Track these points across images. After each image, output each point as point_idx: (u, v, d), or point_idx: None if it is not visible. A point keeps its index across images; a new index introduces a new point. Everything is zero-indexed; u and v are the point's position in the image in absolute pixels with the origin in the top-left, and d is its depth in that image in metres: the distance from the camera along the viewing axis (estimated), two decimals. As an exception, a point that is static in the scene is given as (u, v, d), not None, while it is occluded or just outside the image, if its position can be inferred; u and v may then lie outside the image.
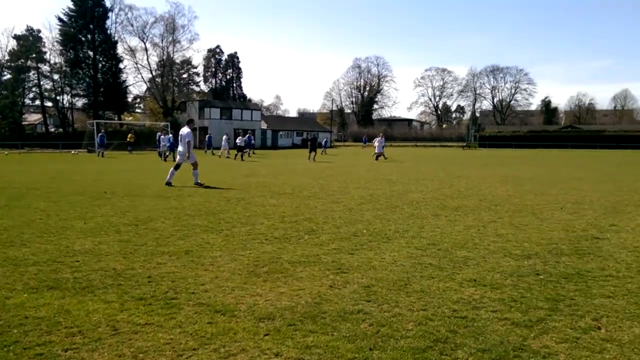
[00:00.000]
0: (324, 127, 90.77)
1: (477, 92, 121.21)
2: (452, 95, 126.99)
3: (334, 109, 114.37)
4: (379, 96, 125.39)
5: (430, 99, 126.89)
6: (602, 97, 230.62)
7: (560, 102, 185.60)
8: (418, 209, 10.24)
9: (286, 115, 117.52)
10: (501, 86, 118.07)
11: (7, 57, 61.23)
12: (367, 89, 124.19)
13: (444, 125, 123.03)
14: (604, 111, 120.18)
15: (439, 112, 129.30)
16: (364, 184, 15.57)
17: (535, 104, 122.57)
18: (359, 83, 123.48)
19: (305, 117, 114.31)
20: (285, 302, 4.48)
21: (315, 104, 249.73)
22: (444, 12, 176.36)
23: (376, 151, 32.23)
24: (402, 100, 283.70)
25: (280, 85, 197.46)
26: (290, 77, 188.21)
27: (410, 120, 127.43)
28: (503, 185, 15.46)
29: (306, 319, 4.08)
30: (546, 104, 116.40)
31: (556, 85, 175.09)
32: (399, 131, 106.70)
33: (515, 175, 19.45)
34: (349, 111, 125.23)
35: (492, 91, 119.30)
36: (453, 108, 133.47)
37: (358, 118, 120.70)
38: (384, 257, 6.18)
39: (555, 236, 7.51)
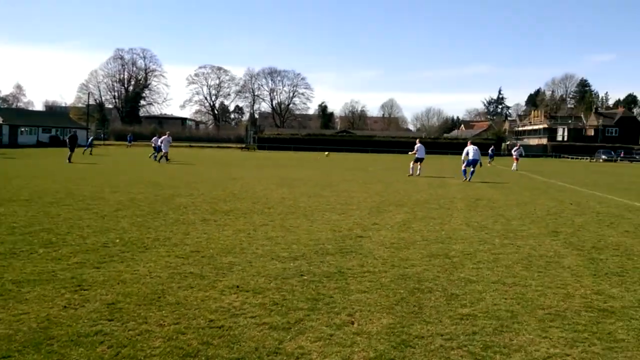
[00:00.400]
0: (78, 123, 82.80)
1: (256, 93, 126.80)
2: (229, 95, 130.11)
3: (91, 103, 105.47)
4: (146, 91, 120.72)
5: (206, 98, 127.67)
6: (373, 105, 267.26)
7: (336, 107, 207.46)
8: (185, 214, 10.06)
9: (30, 109, 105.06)
10: (279, 89, 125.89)
11: None
12: (133, 83, 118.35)
13: (222, 126, 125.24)
14: (374, 118, 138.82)
15: (216, 112, 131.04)
16: (124, 188, 14.65)
17: (313, 108, 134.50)
18: (122, 76, 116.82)
19: (54, 112, 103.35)
20: (1, 331, 3.84)
21: (68, 97, 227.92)
22: (220, 12, 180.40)
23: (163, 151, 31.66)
24: (175, 98, 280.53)
25: (23, 74, 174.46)
26: (35, 64, 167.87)
27: (184, 119, 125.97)
28: (279, 187, 16.36)
29: (27, 347, 3.57)
30: (323, 108, 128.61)
31: (332, 91, 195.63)
32: (172, 130, 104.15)
33: (292, 178, 20.84)
34: (110, 106, 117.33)
35: (270, 93, 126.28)
36: (231, 108, 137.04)
37: (122, 114, 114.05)
38: (138, 268, 5.84)
39: (323, 237, 8.20)
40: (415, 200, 13.92)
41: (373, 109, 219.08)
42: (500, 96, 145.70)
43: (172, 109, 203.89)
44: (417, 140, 26.14)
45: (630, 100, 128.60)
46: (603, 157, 74.58)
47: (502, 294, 5.34)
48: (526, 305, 4.95)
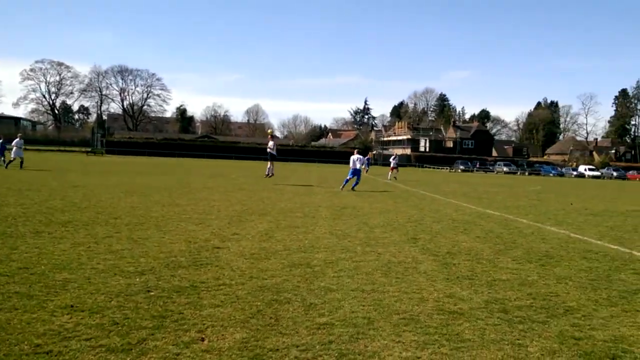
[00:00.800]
0: None
1: (104, 92, 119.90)
2: (72, 93, 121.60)
3: None
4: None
5: (44, 96, 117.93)
6: (237, 110, 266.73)
7: (197, 111, 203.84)
8: (13, 226, 9.14)
9: None
10: (131, 89, 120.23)
11: None
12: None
13: (64, 127, 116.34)
14: (238, 123, 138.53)
15: (57, 112, 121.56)
16: None
17: (170, 111, 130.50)
18: None
19: None
20: None
21: None
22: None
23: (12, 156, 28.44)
24: (8, 95, 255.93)
25: None
26: None
27: (18, 119, 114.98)
28: (128, 196, 15.55)
29: None
30: (182, 111, 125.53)
31: (193, 94, 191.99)
32: (3, 131, 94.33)
33: (145, 185, 19.95)
34: None
35: (121, 93, 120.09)
36: (75, 108, 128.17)
37: None
38: (-57, 291, 5.15)
39: (176, 249, 7.94)
40: (279, 208, 14.08)
41: (237, 114, 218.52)
42: (367, 106, 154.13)
43: (3, 108, 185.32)
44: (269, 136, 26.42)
45: (483, 115, 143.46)
46: (461, 167, 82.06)
47: (361, 301, 5.58)
48: (382, 311, 5.23)
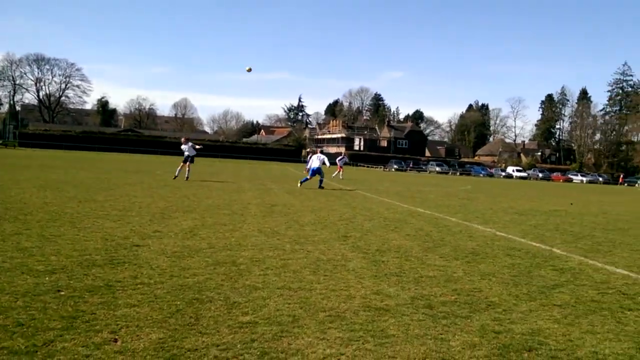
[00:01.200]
0: None
1: (17, 82, 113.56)
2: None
3: None
4: None
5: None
6: (164, 104, 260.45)
7: (120, 103, 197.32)
8: None
9: None
10: (48, 79, 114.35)
11: None
12: None
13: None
14: (165, 117, 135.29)
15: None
16: None
17: (91, 103, 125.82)
18: None
19: None
20: None
21: None
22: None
23: None
24: None
25: None
26: None
27: None
28: (41, 191, 14.84)
29: None
30: (103, 104, 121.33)
31: (115, 86, 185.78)
32: None
33: (60, 180, 19.10)
34: None
35: (36, 83, 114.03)
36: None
37: None
38: None
39: (91, 246, 7.65)
40: (206, 205, 13.86)
41: (164, 108, 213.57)
42: (301, 104, 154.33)
43: None
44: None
45: (417, 115, 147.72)
46: (395, 166, 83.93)
47: (287, 299, 5.58)
48: (308, 309, 5.25)
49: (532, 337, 4.80)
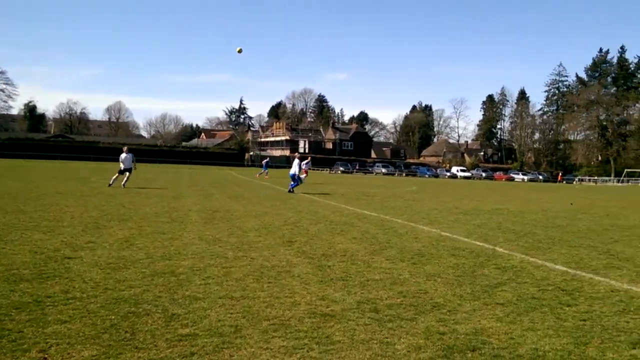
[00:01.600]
0: None
1: None
2: None
3: None
4: None
5: None
6: (96, 108, 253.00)
7: (49, 108, 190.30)
8: None
9: None
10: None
11: None
12: None
13: None
14: (98, 122, 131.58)
15: None
16: None
17: (17, 107, 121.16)
18: None
19: None
20: None
21: None
22: None
23: None
24: None
25: None
26: None
27: None
28: (-38, 202, 14.12)
29: None
30: (31, 109, 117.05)
31: (44, 89, 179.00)
32: None
33: (-16, 191, 18.23)
34: None
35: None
36: None
37: None
38: None
39: (18, 260, 7.34)
40: (143, 213, 13.54)
41: (97, 112, 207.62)
42: (242, 106, 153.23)
43: None
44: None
45: (362, 117, 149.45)
46: (341, 169, 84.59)
47: (229, 308, 5.51)
48: (252, 318, 5.20)
49: (476, 337, 4.93)
